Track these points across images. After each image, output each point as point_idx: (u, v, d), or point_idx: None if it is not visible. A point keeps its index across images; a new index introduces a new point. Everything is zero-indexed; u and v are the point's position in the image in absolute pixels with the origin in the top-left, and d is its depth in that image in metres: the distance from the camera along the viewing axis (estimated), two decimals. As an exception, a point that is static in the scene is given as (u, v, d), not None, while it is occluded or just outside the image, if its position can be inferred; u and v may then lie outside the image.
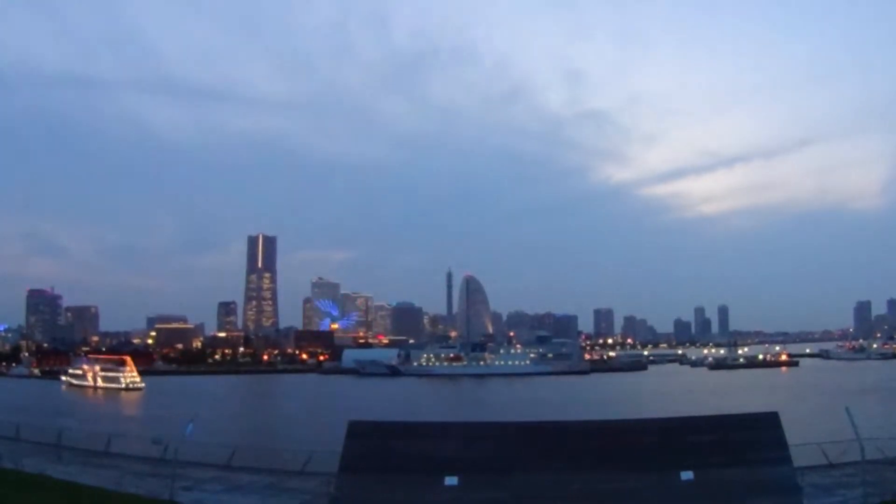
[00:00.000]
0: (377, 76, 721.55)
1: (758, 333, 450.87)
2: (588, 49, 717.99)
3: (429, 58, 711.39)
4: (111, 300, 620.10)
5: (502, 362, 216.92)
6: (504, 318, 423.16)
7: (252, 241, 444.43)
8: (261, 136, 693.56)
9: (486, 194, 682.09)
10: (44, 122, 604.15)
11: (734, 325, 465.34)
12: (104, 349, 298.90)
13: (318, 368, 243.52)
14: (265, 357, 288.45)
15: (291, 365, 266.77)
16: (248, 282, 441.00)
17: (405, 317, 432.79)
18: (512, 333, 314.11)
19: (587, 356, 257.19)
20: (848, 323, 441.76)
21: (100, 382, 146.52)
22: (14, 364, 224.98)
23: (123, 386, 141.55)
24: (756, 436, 20.93)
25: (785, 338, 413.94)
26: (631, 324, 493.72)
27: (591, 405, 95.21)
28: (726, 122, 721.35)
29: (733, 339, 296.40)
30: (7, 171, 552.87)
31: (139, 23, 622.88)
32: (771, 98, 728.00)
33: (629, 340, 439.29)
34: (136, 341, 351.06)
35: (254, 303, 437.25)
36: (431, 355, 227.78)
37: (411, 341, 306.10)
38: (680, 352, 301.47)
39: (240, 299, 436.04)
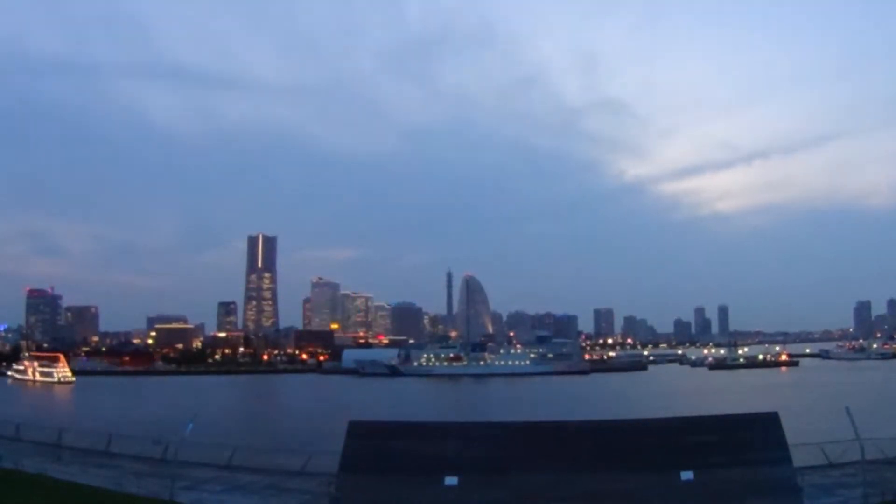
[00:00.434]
0: (387, 60, 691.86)
1: (758, 333, 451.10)
2: (606, 32, 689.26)
3: (441, 41, 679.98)
4: (111, 300, 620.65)
5: (502, 362, 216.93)
6: (504, 318, 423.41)
7: (252, 241, 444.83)
8: (262, 127, 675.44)
9: (494, 192, 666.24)
10: (37, 111, 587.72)
11: (734, 325, 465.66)
12: (104, 349, 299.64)
13: (318, 368, 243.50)
14: (265, 357, 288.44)
15: (291, 365, 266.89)
16: (248, 282, 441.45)
17: (405, 317, 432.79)
18: (512, 333, 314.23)
19: (587, 356, 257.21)
20: (848, 323, 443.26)
21: (37, 377, 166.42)
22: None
23: (56, 380, 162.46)
24: (756, 436, 20.92)
25: (785, 338, 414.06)
26: (631, 324, 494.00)
27: (590, 405, 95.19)
28: (749, 115, 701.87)
29: (733, 340, 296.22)
30: (2, 164, 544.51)
31: (134, 3, 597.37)
32: (796, 92, 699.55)
33: (629, 340, 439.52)
34: (136, 341, 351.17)
35: (254, 303, 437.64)
36: (431, 355, 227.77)
37: (411, 341, 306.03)
38: (680, 352, 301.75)
39: (240, 299, 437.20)
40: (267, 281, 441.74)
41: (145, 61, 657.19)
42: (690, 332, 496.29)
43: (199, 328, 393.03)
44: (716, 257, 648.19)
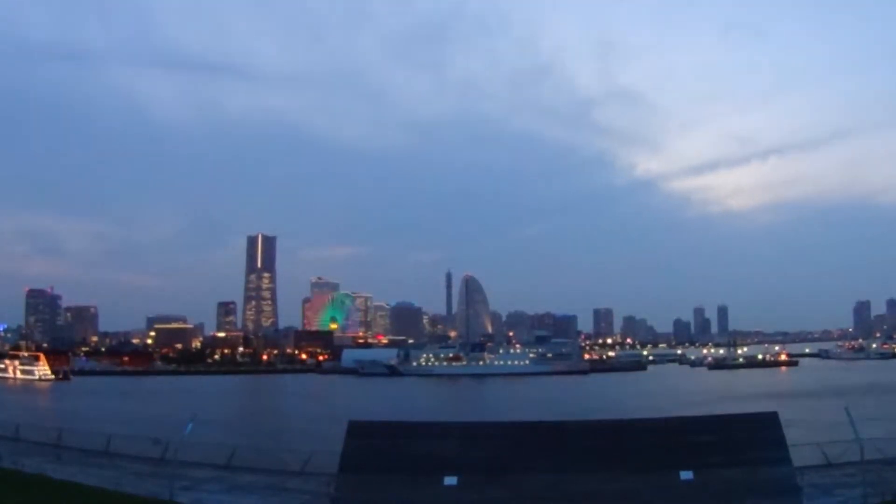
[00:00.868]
0: (394, 47, 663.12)
1: (757, 333, 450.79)
2: (624, 19, 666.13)
3: (451, 27, 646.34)
4: (111, 300, 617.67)
5: (502, 362, 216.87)
6: (503, 318, 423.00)
7: (251, 241, 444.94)
8: (263, 119, 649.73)
9: (499, 189, 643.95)
10: (30, 99, 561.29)
11: (734, 325, 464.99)
12: (104, 349, 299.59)
13: (318, 368, 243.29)
14: (265, 357, 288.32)
15: (291, 365, 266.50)
16: (247, 282, 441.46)
17: (405, 317, 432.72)
18: (511, 333, 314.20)
19: (587, 356, 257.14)
20: (847, 323, 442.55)
21: (18, 375, 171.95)
22: None
23: (37, 378, 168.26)
24: (756, 436, 20.95)
25: (784, 338, 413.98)
26: (630, 324, 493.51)
27: (590, 405, 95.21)
28: (768, 109, 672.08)
29: (733, 339, 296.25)
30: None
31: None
32: (819, 85, 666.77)
33: (629, 340, 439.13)
34: (135, 341, 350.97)
35: (253, 303, 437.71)
36: (431, 355, 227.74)
37: (411, 341, 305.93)
38: (679, 352, 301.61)
39: (239, 299, 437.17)
40: (266, 281, 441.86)
41: (141, 47, 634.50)
42: (690, 332, 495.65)
43: (199, 328, 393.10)
44: (716, 257, 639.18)
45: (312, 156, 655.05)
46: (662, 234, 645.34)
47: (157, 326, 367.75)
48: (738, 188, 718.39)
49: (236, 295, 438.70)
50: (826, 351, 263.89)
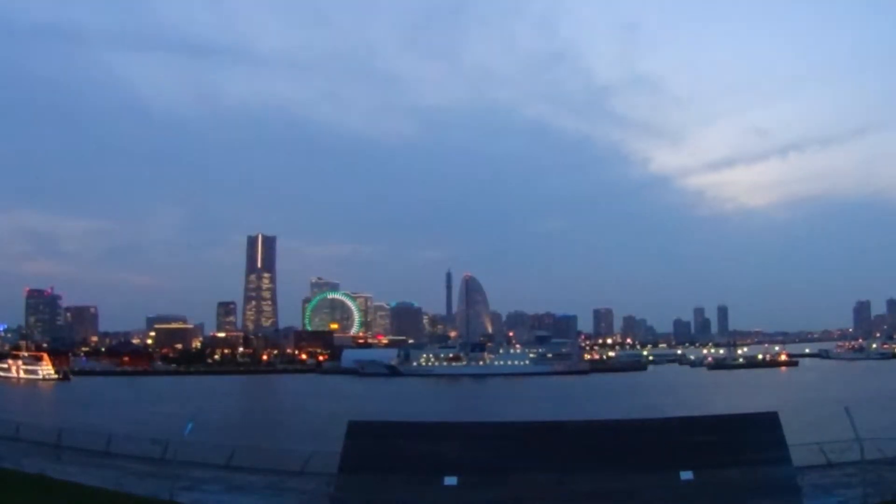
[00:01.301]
0: (404, 32, 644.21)
1: (757, 333, 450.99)
2: (647, 3, 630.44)
3: (465, 10, 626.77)
4: (110, 300, 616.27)
5: (502, 362, 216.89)
6: (504, 318, 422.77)
7: (251, 241, 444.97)
8: (265, 108, 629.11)
9: (510, 185, 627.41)
10: (23, 89, 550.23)
11: (734, 325, 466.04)
12: (104, 349, 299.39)
13: (318, 368, 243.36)
14: (264, 357, 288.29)
15: (291, 365, 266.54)
16: (247, 282, 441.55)
17: (405, 317, 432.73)
18: (511, 333, 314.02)
19: (586, 356, 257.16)
20: (847, 323, 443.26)
21: (22, 374, 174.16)
22: None
23: (41, 377, 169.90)
24: (756, 436, 20.94)
25: (784, 338, 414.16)
26: (630, 324, 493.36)
27: (590, 405, 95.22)
28: (791, 103, 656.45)
29: (733, 339, 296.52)
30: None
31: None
32: (845, 79, 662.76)
33: (629, 340, 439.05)
34: (135, 341, 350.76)
35: (253, 303, 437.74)
36: (431, 355, 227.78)
37: (411, 341, 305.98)
38: (679, 352, 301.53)
39: (239, 299, 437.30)
40: (266, 281, 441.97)
41: (136, 30, 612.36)
42: (690, 332, 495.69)
43: (199, 328, 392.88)
44: (719, 256, 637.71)
45: (315, 148, 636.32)
46: (671, 234, 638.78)
47: (157, 326, 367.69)
48: (755, 185, 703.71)
49: (236, 295, 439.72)
50: (826, 351, 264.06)
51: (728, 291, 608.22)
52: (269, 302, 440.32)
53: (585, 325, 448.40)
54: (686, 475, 19.59)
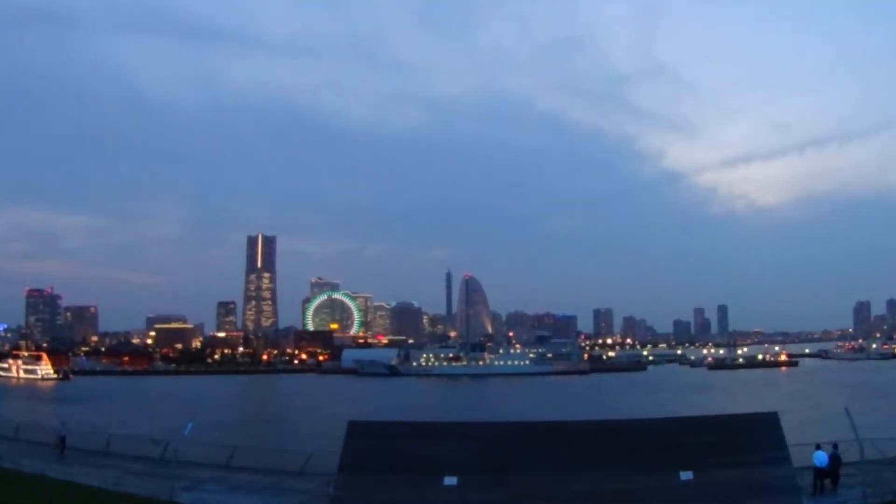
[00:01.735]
0: (415, 14, 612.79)
1: (757, 333, 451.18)
2: None
3: None
4: (111, 300, 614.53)
5: (502, 362, 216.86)
6: (504, 318, 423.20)
7: (251, 241, 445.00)
8: (267, 97, 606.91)
9: (519, 181, 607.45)
10: (12, 74, 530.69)
11: (734, 325, 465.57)
12: (104, 349, 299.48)
13: (318, 368, 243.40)
14: (264, 357, 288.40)
15: (291, 365, 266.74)
16: (247, 282, 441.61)
17: (405, 317, 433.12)
18: (511, 333, 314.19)
19: (586, 356, 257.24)
20: (847, 323, 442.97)
21: (21, 374, 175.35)
22: None
23: (40, 377, 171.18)
24: (756, 436, 20.95)
25: (784, 338, 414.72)
26: (630, 324, 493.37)
27: (590, 405, 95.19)
28: (813, 97, 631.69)
29: (733, 339, 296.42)
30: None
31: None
32: (867, 74, 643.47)
33: (629, 340, 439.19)
34: (135, 341, 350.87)
35: (253, 303, 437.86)
36: (431, 355, 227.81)
37: (411, 341, 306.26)
38: (679, 352, 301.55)
39: (239, 299, 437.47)
40: (266, 281, 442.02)
41: (131, 12, 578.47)
42: (690, 332, 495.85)
43: (199, 328, 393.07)
44: (718, 257, 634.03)
45: (318, 140, 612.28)
46: (678, 233, 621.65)
47: (157, 326, 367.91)
48: (769, 182, 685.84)
49: (236, 295, 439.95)
50: (826, 351, 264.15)
51: (728, 291, 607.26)
52: (270, 302, 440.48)
53: (585, 325, 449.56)
54: (686, 475, 19.59)
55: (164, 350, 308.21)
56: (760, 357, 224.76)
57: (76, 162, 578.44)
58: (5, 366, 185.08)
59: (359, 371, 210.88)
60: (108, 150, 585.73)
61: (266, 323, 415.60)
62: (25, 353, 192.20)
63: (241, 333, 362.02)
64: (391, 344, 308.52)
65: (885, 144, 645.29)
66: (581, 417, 33.34)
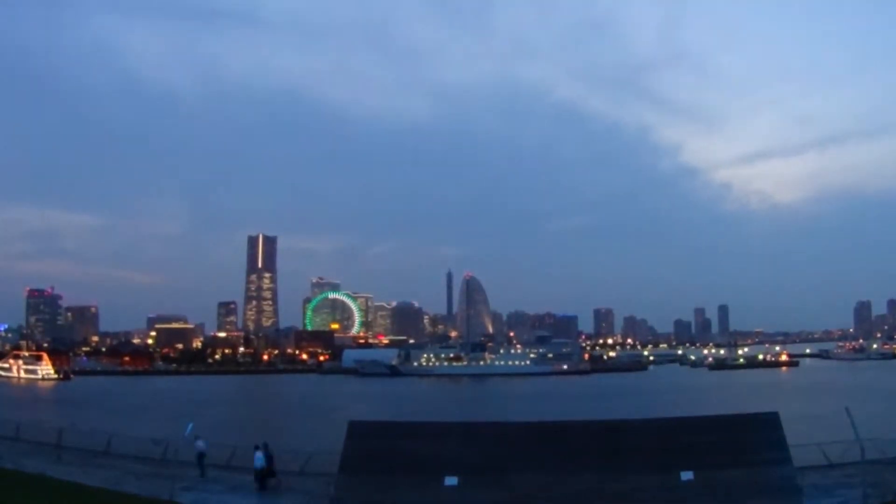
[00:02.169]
0: None
1: (758, 333, 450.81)
2: None
3: None
4: (111, 300, 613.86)
5: (502, 362, 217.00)
6: (504, 318, 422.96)
7: (252, 241, 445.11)
8: (269, 84, 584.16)
9: (531, 177, 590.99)
10: (4, 60, 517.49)
11: (734, 325, 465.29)
12: (104, 349, 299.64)
13: (318, 368, 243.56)
14: (265, 357, 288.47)
15: (291, 365, 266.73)
16: (248, 282, 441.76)
17: (405, 317, 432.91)
18: (512, 333, 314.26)
19: (587, 356, 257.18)
20: (848, 323, 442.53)
21: (22, 374, 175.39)
22: None
23: (40, 377, 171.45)
24: (756, 436, 20.94)
25: (785, 338, 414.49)
26: (631, 324, 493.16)
27: (590, 405, 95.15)
28: (836, 92, 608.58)
29: (733, 339, 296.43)
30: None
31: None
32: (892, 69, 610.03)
33: (629, 340, 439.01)
34: (136, 341, 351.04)
35: (254, 303, 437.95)
36: (431, 355, 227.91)
37: (411, 341, 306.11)
38: (680, 352, 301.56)
39: (240, 299, 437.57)
40: (267, 281, 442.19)
41: None
42: (690, 332, 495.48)
43: (199, 328, 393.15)
44: (715, 256, 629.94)
45: (323, 131, 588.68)
46: (686, 232, 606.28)
47: (157, 326, 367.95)
48: (786, 178, 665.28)
49: (237, 295, 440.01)
50: (826, 351, 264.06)
51: (729, 291, 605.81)
52: (270, 302, 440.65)
53: (586, 325, 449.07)
54: (686, 475, 19.59)
55: (165, 350, 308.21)
56: (761, 357, 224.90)
57: (74, 156, 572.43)
58: (6, 366, 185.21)
59: (359, 371, 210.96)
60: (106, 143, 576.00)
61: (267, 323, 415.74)
62: (26, 353, 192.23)
63: (242, 333, 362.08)
64: (392, 344, 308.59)
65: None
66: (581, 417, 33.32)
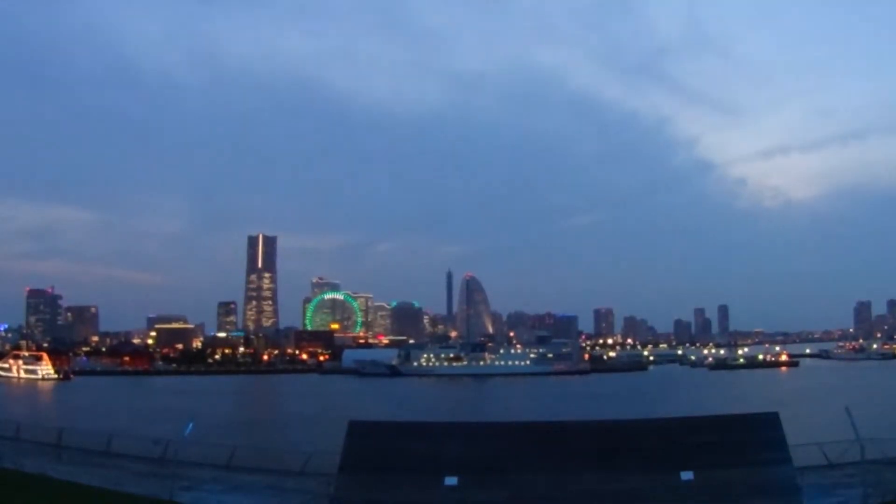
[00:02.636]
0: None
1: (758, 334, 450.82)
2: None
3: None
4: (111, 300, 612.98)
5: (502, 362, 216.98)
6: (504, 318, 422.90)
7: (252, 241, 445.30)
8: (271, 71, 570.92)
9: (542, 173, 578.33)
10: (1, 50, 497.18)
11: (734, 325, 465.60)
12: (104, 349, 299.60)
13: (318, 368, 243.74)
14: (265, 357, 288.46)
15: (291, 365, 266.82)
16: (248, 282, 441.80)
17: (405, 317, 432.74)
18: (512, 333, 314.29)
19: (587, 356, 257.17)
20: (848, 323, 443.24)
21: (22, 374, 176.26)
22: None
23: (40, 377, 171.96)
24: (756, 436, 20.93)
25: (785, 338, 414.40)
26: (631, 324, 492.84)
27: (591, 405, 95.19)
28: (866, 83, 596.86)
29: (733, 339, 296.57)
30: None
31: None
32: None
33: (629, 340, 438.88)
34: (136, 341, 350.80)
35: (254, 303, 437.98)
36: (431, 355, 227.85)
37: (411, 341, 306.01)
38: (680, 352, 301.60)
39: (240, 299, 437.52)
40: (267, 281, 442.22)
41: None
42: (690, 332, 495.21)
43: (200, 328, 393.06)
44: (715, 256, 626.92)
45: (327, 121, 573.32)
46: (697, 229, 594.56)
47: (157, 326, 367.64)
48: (805, 174, 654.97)
49: (237, 295, 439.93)
50: (826, 351, 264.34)
51: (729, 291, 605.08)
52: (270, 302, 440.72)
53: (586, 325, 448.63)
54: (686, 475, 19.58)
55: (165, 350, 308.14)
56: (761, 357, 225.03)
57: (72, 151, 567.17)
58: (6, 366, 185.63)
59: (359, 371, 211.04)
60: (103, 136, 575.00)
61: (267, 323, 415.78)
62: (26, 353, 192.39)
63: (242, 338, 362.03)
64: (392, 344, 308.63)
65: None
66: (581, 417, 33.33)
